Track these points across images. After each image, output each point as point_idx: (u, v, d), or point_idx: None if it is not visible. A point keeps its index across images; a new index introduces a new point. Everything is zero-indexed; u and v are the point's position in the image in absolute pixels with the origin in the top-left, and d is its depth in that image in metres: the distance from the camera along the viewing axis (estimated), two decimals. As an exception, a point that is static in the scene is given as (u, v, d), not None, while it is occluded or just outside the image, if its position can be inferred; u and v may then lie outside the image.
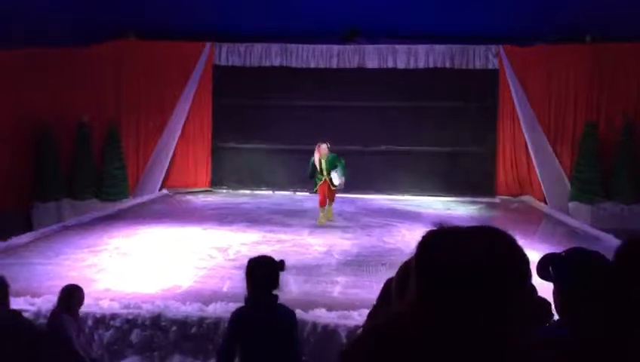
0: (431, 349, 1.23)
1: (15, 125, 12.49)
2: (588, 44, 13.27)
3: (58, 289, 4.85)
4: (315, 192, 10.71)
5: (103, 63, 13.85)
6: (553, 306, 1.98)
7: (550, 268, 1.95)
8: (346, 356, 1.47)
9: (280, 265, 3.60)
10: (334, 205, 11.06)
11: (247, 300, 3.60)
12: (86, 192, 13.17)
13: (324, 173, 10.36)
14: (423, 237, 1.33)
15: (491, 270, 1.24)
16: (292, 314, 3.73)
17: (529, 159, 13.94)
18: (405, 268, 2.21)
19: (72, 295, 4.65)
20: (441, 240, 1.31)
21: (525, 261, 1.30)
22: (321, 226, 10.44)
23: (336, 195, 11.01)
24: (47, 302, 5.55)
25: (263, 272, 3.56)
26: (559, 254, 1.99)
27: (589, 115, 13.29)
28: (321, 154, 10.32)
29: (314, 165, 10.46)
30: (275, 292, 3.57)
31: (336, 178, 10.29)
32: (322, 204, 10.59)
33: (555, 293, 1.96)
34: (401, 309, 1.39)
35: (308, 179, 10.91)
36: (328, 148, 10.42)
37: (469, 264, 1.23)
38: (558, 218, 11.88)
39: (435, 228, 1.34)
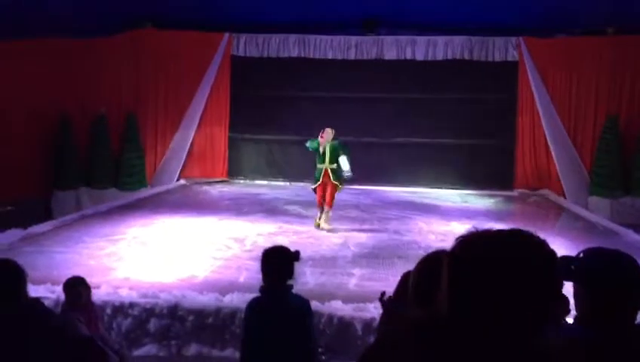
0: (455, 352, 1.22)
1: (35, 114, 12.63)
2: (609, 37, 13.06)
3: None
4: (314, 191, 9.68)
5: (121, 53, 13.93)
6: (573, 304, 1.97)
7: (572, 268, 1.93)
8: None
9: (295, 256, 3.62)
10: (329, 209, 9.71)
11: (262, 290, 3.64)
12: (104, 181, 13.31)
13: (327, 160, 9.41)
14: (462, 237, 1.31)
15: (527, 270, 1.24)
16: (306, 303, 3.75)
17: (548, 152, 13.79)
18: (425, 265, 2.20)
19: (69, 290, 4.56)
20: (478, 240, 1.30)
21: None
22: (338, 218, 10.04)
23: (338, 193, 9.75)
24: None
25: (277, 262, 3.59)
26: (578, 254, 1.97)
27: (609, 109, 13.10)
28: (325, 139, 9.40)
29: (316, 148, 9.46)
30: (290, 282, 3.60)
31: (346, 164, 9.36)
32: (320, 203, 9.61)
33: (576, 293, 1.94)
34: (419, 314, 1.38)
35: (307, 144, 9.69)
36: (332, 132, 9.49)
37: (505, 264, 1.23)
38: (577, 212, 11.76)
39: (472, 231, 1.33)
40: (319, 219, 9.57)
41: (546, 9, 12.24)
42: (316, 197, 9.70)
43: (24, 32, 11.65)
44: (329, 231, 9.32)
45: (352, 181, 10.13)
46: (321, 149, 9.41)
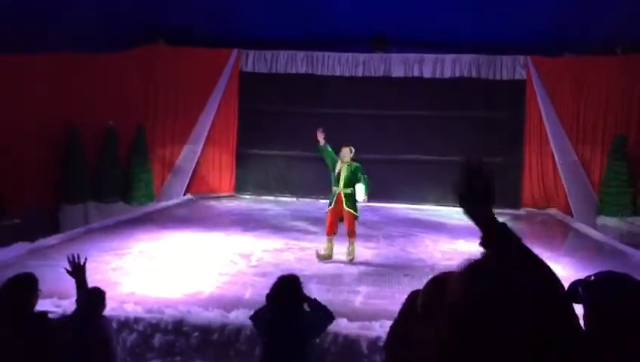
0: None
1: (44, 128, 12.72)
2: (618, 56, 13.07)
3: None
4: (326, 213, 8.55)
5: (131, 68, 14.05)
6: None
7: (580, 290, 1.92)
8: None
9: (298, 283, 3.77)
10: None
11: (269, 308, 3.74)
12: (112, 195, 13.35)
13: (341, 182, 8.30)
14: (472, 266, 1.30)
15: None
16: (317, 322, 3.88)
17: (555, 171, 13.76)
18: (433, 285, 2.19)
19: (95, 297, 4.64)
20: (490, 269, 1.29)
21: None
22: (344, 235, 8.48)
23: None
24: (72, 304, 5.61)
25: (287, 296, 3.68)
26: (589, 277, 1.96)
27: (618, 128, 13.08)
28: (342, 160, 8.35)
29: (333, 164, 8.41)
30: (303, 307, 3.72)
31: (361, 194, 8.26)
32: (329, 232, 8.43)
33: (585, 317, 1.92)
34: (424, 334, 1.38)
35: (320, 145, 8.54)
36: (351, 152, 8.43)
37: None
38: (585, 232, 11.69)
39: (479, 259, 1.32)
40: (327, 249, 8.43)
41: (554, 28, 12.29)
42: (327, 222, 8.46)
43: (36, 46, 11.79)
44: (351, 260, 8.39)
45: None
46: (336, 170, 8.34)
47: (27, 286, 3.62)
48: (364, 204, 8.55)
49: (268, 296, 3.72)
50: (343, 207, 8.28)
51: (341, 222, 8.45)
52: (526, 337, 1.20)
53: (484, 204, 1.34)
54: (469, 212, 1.40)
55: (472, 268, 1.29)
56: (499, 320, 1.20)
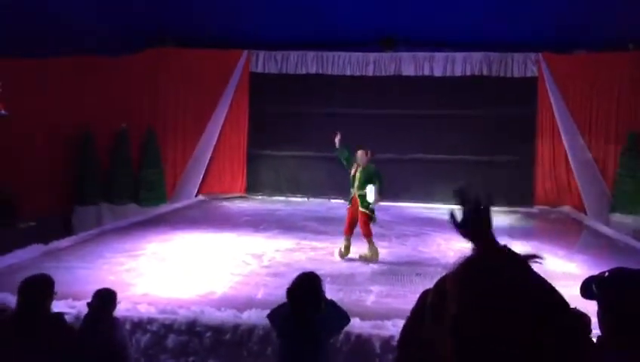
0: None
1: (56, 130, 12.83)
2: (630, 52, 12.96)
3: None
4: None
5: (142, 71, 14.14)
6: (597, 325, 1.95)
7: (594, 287, 1.91)
8: None
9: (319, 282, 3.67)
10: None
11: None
12: (124, 197, 13.45)
13: (356, 184, 8.43)
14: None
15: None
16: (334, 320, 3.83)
17: (568, 168, 13.67)
18: (442, 284, 2.18)
19: (106, 300, 4.67)
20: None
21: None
22: (356, 234, 8.68)
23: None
24: (86, 305, 5.66)
25: (305, 296, 3.62)
26: (603, 274, 1.95)
27: (631, 125, 12.95)
28: (357, 163, 8.47)
29: (350, 164, 8.59)
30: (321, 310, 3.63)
31: (371, 195, 8.27)
32: (346, 232, 8.63)
33: (600, 313, 1.91)
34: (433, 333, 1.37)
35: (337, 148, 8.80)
36: (366, 155, 8.51)
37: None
38: (599, 229, 11.59)
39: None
40: (344, 248, 8.60)
41: (565, 25, 12.20)
42: (345, 221, 8.70)
43: (48, 50, 11.89)
44: (370, 260, 8.43)
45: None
46: (352, 172, 8.49)
47: (43, 287, 3.66)
48: (374, 206, 8.46)
49: (288, 291, 3.70)
50: (359, 207, 8.42)
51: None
52: (526, 334, 1.20)
53: (484, 229, 1.35)
54: (469, 238, 1.41)
55: (465, 266, 1.29)
56: (497, 318, 1.20)
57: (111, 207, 13.29)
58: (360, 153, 8.49)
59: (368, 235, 8.47)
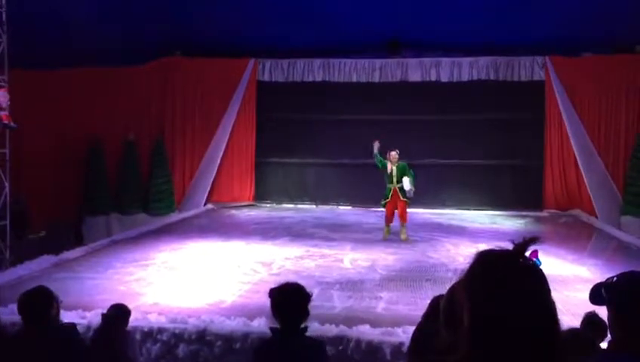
0: None
1: (66, 141, 12.93)
2: (637, 54, 12.90)
3: (108, 304, 4.95)
4: (384, 206, 10.60)
5: (150, 81, 14.24)
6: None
7: (603, 292, 1.90)
8: None
9: (308, 295, 3.22)
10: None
11: (274, 332, 3.24)
12: (133, 207, 13.52)
13: (394, 180, 10.35)
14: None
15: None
16: (321, 347, 3.36)
17: (578, 172, 13.60)
18: (453, 292, 2.18)
19: (119, 319, 4.68)
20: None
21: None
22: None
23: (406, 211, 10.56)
24: (97, 316, 5.67)
25: (290, 302, 3.18)
26: (612, 279, 1.94)
27: (639, 127, 12.90)
28: (391, 162, 10.36)
29: (385, 167, 10.40)
30: (304, 324, 3.21)
31: (407, 184, 10.22)
32: (388, 221, 10.54)
33: (610, 318, 1.90)
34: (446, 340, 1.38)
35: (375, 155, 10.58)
36: (397, 155, 10.44)
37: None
38: (610, 232, 11.52)
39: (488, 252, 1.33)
40: (386, 233, 10.54)
41: (572, 28, 12.17)
42: (385, 213, 10.56)
43: (57, 61, 12.00)
44: (405, 240, 10.34)
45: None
46: (388, 170, 10.33)
47: (39, 298, 3.66)
48: (410, 193, 10.27)
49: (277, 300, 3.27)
50: (398, 198, 10.31)
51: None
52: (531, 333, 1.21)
53: None
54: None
55: (473, 275, 1.30)
56: (508, 326, 1.21)
57: (120, 217, 13.36)
58: (395, 153, 10.40)
59: (406, 219, 10.52)
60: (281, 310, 3.16)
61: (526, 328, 1.22)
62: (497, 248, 1.34)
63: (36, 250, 9.07)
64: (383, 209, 10.76)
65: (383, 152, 10.65)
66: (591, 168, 13.31)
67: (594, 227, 12.30)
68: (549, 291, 1.29)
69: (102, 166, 13.35)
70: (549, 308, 1.27)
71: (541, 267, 1.34)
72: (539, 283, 1.28)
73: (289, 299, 3.19)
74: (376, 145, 10.56)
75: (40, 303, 3.60)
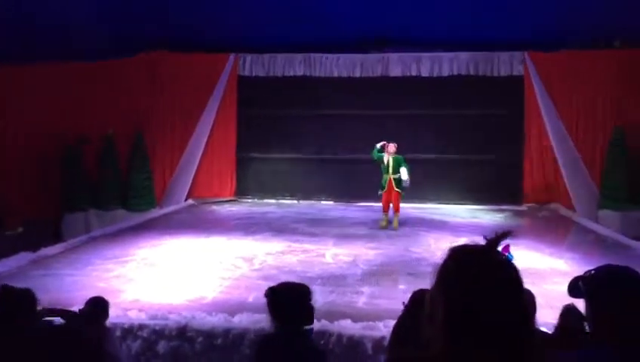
0: None
1: (44, 136, 12.75)
2: (616, 50, 13.06)
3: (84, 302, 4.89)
4: (380, 196, 11.16)
5: (129, 76, 14.07)
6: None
7: (581, 285, 1.93)
8: None
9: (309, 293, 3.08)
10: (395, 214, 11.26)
11: (273, 334, 3.07)
12: (113, 203, 13.36)
13: (390, 170, 10.90)
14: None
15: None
16: (321, 357, 3.21)
17: (556, 166, 13.75)
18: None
19: (96, 307, 4.63)
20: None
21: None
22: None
23: (398, 203, 11.17)
24: (78, 312, 5.62)
25: (291, 303, 3.02)
26: (589, 272, 1.96)
27: (617, 121, 13.05)
28: (389, 153, 10.92)
29: (381, 159, 10.97)
30: (308, 326, 3.05)
31: (405, 175, 10.79)
32: (385, 209, 11.17)
33: (588, 311, 1.93)
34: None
35: (372, 152, 11.26)
36: (395, 147, 10.99)
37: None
38: (587, 226, 11.68)
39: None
40: (383, 221, 11.15)
41: (550, 23, 12.27)
42: (382, 203, 11.21)
43: (35, 56, 11.82)
44: (397, 229, 10.99)
45: (380, 197, 11.27)
46: (385, 161, 10.91)
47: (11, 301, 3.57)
48: (406, 183, 10.82)
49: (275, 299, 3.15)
50: (393, 188, 10.87)
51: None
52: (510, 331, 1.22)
53: None
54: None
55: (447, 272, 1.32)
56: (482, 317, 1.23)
57: (100, 213, 13.20)
58: (393, 145, 10.97)
59: (398, 210, 11.13)
60: (281, 310, 3.01)
61: (500, 322, 1.23)
62: (470, 243, 1.35)
63: (13, 247, 8.93)
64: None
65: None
66: (569, 162, 13.46)
67: (572, 220, 12.46)
68: (521, 285, 1.30)
69: (81, 162, 13.17)
70: (521, 302, 1.29)
71: (514, 261, 1.35)
72: (512, 278, 1.30)
73: (284, 299, 3.04)
74: (380, 144, 11.21)
75: (15, 305, 3.54)
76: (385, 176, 11.01)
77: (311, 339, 3.11)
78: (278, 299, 3.01)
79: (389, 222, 11.17)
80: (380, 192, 11.18)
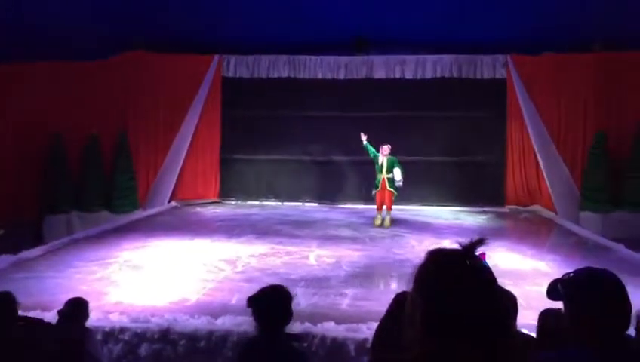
0: None
1: (25, 137, 12.62)
2: (596, 53, 13.21)
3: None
4: (374, 196, 11.68)
5: (113, 76, 13.95)
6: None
7: (559, 287, 1.95)
8: None
9: (289, 295, 3.12)
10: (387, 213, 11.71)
11: (255, 338, 3.10)
12: (95, 204, 13.24)
13: (384, 170, 11.37)
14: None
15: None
16: (302, 358, 3.24)
17: (538, 168, 13.88)
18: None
19: (75, 308, 4.59)
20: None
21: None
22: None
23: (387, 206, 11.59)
24: (57, 313, 5.57)
25: (270, 305, 3.06)
26: (568, 274, 1.99)
27: (598, 124, 13.19)
28: (384, 155, 11.40)
29: (376, 158, 11.44)
30: (287, 328, 3.09)
31: (398, 175, 11.21)
32: (379, 208, 11.65)
33: (566, 313, 1.96)
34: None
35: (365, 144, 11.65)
36: (389, 149, 11.48)
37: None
38: (568, 228, 11.81)
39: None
40: (377, 220, 11.64)
41: (533, 27, 12.39)
42: (376, 202, 11.67)
43: (17, 55, 11.70)
44: (388, 227, 11.44)
45: (370, 197, 12.03)
46: (379, 162, 11.39)
47: None
48: (399, 183, 11.23)
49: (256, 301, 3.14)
50: (386, 187, 11.34)
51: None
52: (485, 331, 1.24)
53: None
54: None
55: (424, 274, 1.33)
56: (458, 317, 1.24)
57: (82, 215, 13.07)
58: (386, 147, 11.43)
59: (390, 208, 11.60)
60: (262, 314, 3.03)
61: (478, 323, 1.25)
62: (448, 247, 1.38)
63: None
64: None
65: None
66: (550, 165, 13.59)
67: (553, 222, 12.59)
68: (497, 287, 1.32)
69: (63, 163, 13.03)
70: (498, 304, 1.31)
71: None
72: (488, 280, 1.31)
73: (270, 302, 3.06)
74: (363, 137, 11.58)
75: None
76: (379, 175, 11.46)
77: (293, 342, 3.13)
78: (259, 305, 3.04)
79: (383, 220, 11.60)
80: (373, 192, 11.64)
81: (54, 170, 12.88)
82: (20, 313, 4.11)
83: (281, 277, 7.57)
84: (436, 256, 1.35)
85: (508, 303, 3.50)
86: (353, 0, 12.03)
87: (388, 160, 11.39)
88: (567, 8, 11.65)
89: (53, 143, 12.93)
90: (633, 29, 11.88)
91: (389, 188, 11.38)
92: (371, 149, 11.50)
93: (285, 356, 3.01)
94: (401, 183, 11.26)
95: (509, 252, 9.17)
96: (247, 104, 14.61)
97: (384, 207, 11.57)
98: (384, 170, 11.39)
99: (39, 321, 4.34)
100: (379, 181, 11.47)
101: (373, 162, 11.64)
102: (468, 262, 1.31)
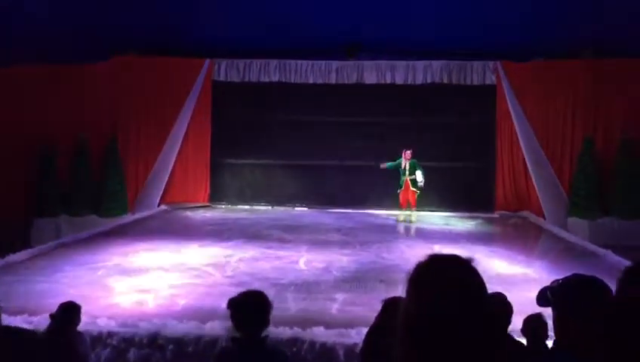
0: None
1: (14, 141, 12.52)
2: (585, 60, 13.32)
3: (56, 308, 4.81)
4: (398, 194, 12.82)
5: (103, 79, 13.90)
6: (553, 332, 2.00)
7: (548, 294, 1.96)
8: None
9: (269, 302, 3.16)
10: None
11: (233, 340, 3.12)
12: (85, 208, 13.14)
13: (407, 173, 12.57)
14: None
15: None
16: (282, 357, 3.29)
17: (527, 174, 13.95)
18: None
19: (65, 314, 4.57)
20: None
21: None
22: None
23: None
24: (45, 320, 5.51)
25: (251, 310, 3.09)
26: (557, 281, 2.00)
27: (586, 131, 13.30)
28: (406, 159, 12.60)
29: (400, 164, 12.69)
30: (265, 333, 3.10)
31: (420, 176, 12.45)
32: (402, 205, 12.89)
33: (555, 320, 1.97)
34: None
35: (387, 165, 12.95)
36: (411, 154, 12.63)
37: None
38: (557, 234, 11.87)
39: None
40: (401, 216, 13.05)
41: (523, 33, 12.48)
42: (399, 200, 12.88)
43: (7, 59, 11.62)
44: (415, 223, 12.70)
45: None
46: (403, 165, 12.64)
47: None
48: (421, 183, 12.46)
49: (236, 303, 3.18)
50: (409, 188, 12.62)
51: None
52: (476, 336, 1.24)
53: None
54: None
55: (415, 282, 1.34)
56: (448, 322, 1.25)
57: (71, 219, 12.97)
58: (409, 152, 12.65)
59: (415, 206, 12.86)
60: (240, 321, 3.06)
61: (470, 329, 1.25)
62: (443, 253, 1.38)
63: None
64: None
65: (398, 153, 12.78)
66: (539, 171, 13.66)
67: (542, 228, 12.65)
68: (488, 295, 1.33)
69: (52, 166, 12.94)
70: (489, 310, 1.31)
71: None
72: (480, 286, 1.32)
73: (249, 309, 3.09)
74: (383, 166, 12.95)
75: None
76: (402, 177, 12.68)
77: (270, 343, 3.17)
78: (237, 310, 3.07)
79: (406, 217, 12.90)
80: (398, 191, 12.78)
81: (44, 173, 12.79)
82: (5, 318, 4.06)
83: (271, 282, 7.56)
84: (429, 262, 1.35)
85: (504, 308, 3.52)
86: (344, 5, 12.05)
87: (410, 163, 12.61)
88: (557, 16, 11.75)
89: (43, 146, 12.84)
90: (623, 37, 12.00)
91: (412, 188, 12.62)
92: (393, 164, 12.79)
93: (262, 357, 3.03)
94: (422, 183, 12.44)
95: (499, 257, 9.21)
96: (238, 108, 14.60)
97: (409, 204, 12.80)
98: (407, 172, 12.61)
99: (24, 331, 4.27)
100: (402, 182, 12.68)
101: (392, 169, 12.89)
102: (461, 266, 1.32)
